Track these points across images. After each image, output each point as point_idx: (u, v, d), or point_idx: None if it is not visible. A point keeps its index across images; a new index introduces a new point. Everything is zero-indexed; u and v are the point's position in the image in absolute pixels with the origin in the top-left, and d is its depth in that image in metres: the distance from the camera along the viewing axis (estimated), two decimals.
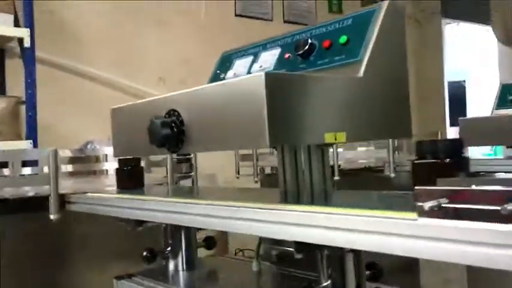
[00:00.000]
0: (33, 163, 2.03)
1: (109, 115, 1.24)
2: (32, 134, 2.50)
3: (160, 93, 1.17)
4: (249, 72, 1.21)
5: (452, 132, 4.97)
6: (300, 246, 0.83)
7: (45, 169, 1.46)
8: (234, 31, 3.58)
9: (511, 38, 2.95)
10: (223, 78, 1.27)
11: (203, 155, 2.16)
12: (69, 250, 1.64)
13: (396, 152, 2.28)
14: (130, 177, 1.47)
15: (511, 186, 0.60)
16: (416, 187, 0.68)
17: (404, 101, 1.05)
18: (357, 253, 0.94)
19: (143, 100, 1.13)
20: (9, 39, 2.57)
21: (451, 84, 5.58)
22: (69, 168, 1.90)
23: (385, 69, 1.02)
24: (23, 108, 2.57)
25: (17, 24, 2.53)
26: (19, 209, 1.52)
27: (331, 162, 1.97)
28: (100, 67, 3.19)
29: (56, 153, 1.43)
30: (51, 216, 1.42)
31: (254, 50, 1.28)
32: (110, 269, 1.53)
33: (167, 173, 1.80)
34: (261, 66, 1.20)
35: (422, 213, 0.66)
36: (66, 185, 1.62)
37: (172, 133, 0.99)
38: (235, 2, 3.72)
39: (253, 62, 1.24)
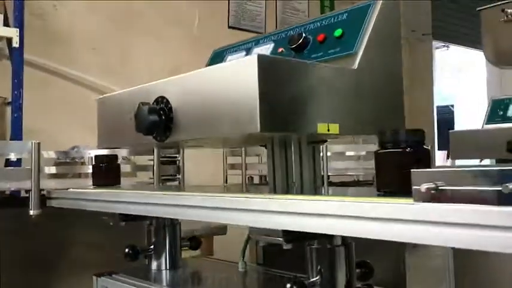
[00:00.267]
0: (16, 164, 1.99)
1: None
2: (17, 135, 2.44)
3: None
4: None
5: (440, 156, 4.99)
6: (289, 236, 0.79)
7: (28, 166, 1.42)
8: (226, 43, 3.56)
9: (501, 59, 2.98)
10: None
11: (190, 162, 2.12)
12: (49, 248, 1.59)
13: None
14: (107, 174, 1.43)
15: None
16: (413, 170, 0.65)
17: (398, 96, 1.03)
18: (348, 248, 0.91)
19: (130, 88, 1.10)
20: None
21: (439, 108, 5.62)
22: (53, 170, 1.85)
23: (379, 63, 1.01)
24: (9, 110, 2.52)
25: (6, 24, 2.49)
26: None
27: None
28: (91, 74, 3.15)
29: (38, 146, 1.39)
30: (31, 212, 1.37)
31: (247, 46, 1.27)
32: (90, 266, 1.47)
33: (153, 175, 1.75)
34: None
35: (419, 196, 0.63)
36: (49, 185, 1.57)
37: (160, 120, 0.96)
38: (228, 14, 3.73)
39: (246, 56, 1.21)
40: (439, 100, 5.59)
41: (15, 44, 2.45)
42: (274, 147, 1.11)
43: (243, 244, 1.23)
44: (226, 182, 2.53)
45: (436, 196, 0.62)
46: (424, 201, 0.63)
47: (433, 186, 0.62)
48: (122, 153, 2.05)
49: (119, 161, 2.21)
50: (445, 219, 0.60)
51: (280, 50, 1.14)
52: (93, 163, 1.46)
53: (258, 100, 0.80)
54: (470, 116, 6.14)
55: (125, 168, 2.08)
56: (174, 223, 1.29)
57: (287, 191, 1.07)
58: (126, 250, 1.24)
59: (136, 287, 1.13)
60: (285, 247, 0.80)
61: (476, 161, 1.96)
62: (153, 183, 1.76)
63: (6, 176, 1.46)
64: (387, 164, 0.79)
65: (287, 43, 1.11)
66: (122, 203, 1.09)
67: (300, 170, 1.09)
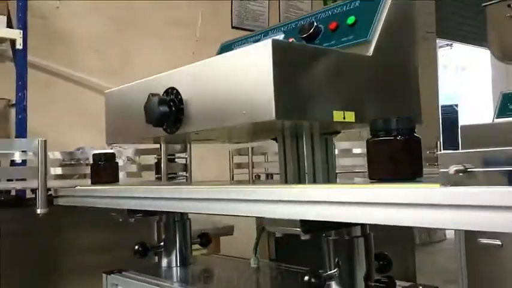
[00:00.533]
0: (21, 165, 1.96)
1: (102, 124, 1.19)
2: (21, 136, 2.42)
3: None
4: None
5: None
6: (306, 226, 0.77)
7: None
8: None
9: (507, 54, 2.96)
10: None
11: (194, 162, 2.10)
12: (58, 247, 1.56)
13: None
14: (105, 172, 1.40)
15: None
16: (440, 152, 0.62)
17: (414, 85, 1.01)
18: (367, 239, 0.88)
19: (139, 80, 1.07)
20: (2, 40, 2.51)
21: (443, 108, 5.59)
22: (58, 170, 1.82)
23: (394, 51, 0.98)
24: (14, 111, 2.50)
25: (9, 25, 2.48)
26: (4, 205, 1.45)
27: None
28: (93, 75, 3.13)
29: (45, 144, 1.36)
30: (38, 211, 1.34)
31: (256, 38, 1.24)
32: (100, 264, 1.45)
33: (160, 172, 1.72)
34: None
35: (447, 179, 0.60)
36: (55, 185, 1.55)
37: (170, 111, 0.94)
38: (231, 14, 3.71)
39: None
40: (443, 99, 5.56)
41: (19, 45, 2.43)
42: (286, 139, 1.08)
43: (249, 244, 1.20)
44: (233, 180, 2.50)
45: (463, 179, 0.60)
46: (451, 185, 0.61)
47: (462, 168, 0.59)
48: (127, 153, 2.02)
49: (124, 161, 2.20)
50: (477, 202, 0.57)
51: (290, 40, 1.12)
52: (91, 162, 1.43)
53: (272, 86, 0.77)
54: (475, 115, 6.11)
55: (131, 168, 2.06)
56: (184, 219, 1.27)
57: (299, 183, 1.04)
58: (136, 247, 1.21)
59: (147, 283, 1.10)
60: (302, 237, 0.77)
61: None
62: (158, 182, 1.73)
63: (12, 175, 1.44)
64: (378, 152, 0.78)
65: (297, 33, 1.09)
66: (131, 198, 1.06)
67: (312, 162, 1.06)
